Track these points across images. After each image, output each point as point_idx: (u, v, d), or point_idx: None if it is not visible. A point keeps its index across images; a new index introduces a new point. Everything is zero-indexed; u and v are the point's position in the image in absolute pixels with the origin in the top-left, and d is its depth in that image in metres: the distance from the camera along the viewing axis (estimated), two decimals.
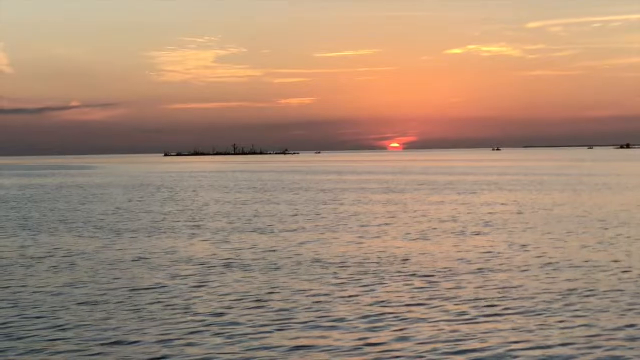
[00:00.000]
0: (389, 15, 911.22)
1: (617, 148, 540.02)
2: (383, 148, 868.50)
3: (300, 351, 15.37)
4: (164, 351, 15.46)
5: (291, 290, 21.73)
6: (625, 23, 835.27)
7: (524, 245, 30.61)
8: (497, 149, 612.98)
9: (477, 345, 15.64)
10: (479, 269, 25.01)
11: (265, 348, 15.58)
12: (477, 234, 35.15)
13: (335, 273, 24.51)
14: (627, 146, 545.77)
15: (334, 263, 26.64)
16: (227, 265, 26.46)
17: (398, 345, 15.71)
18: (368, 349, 15.49)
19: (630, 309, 18.69)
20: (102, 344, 16.03)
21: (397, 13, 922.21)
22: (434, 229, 37.58)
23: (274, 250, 30.21)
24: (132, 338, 16.47)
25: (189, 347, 15.74)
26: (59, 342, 16.28)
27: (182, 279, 23.91)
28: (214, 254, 29.34)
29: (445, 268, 25.20)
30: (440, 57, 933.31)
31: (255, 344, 15.89)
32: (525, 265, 25.53)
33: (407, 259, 27.34)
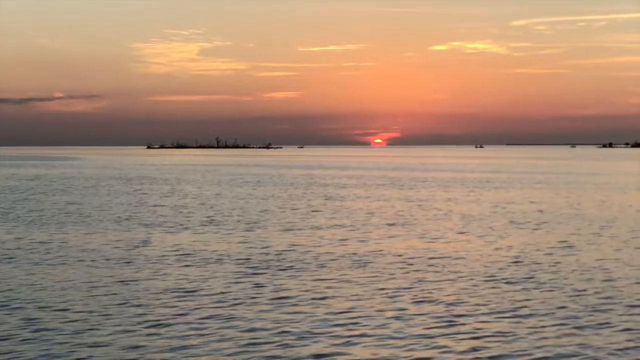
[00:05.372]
0: (374, 11, 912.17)
1: (600, 147, 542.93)
2: (366, 144, 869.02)
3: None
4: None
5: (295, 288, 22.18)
6: (610, 22, 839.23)
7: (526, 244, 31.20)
8: (480, 147, 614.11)
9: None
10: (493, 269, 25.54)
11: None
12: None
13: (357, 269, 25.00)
14: (610, 145, 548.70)
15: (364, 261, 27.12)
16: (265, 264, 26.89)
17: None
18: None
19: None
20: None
21: (383, 9, 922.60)
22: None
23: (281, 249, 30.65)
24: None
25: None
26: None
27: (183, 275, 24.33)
28: (232, 250, 29.77)
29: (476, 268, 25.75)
30: (424, 53, 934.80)
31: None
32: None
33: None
